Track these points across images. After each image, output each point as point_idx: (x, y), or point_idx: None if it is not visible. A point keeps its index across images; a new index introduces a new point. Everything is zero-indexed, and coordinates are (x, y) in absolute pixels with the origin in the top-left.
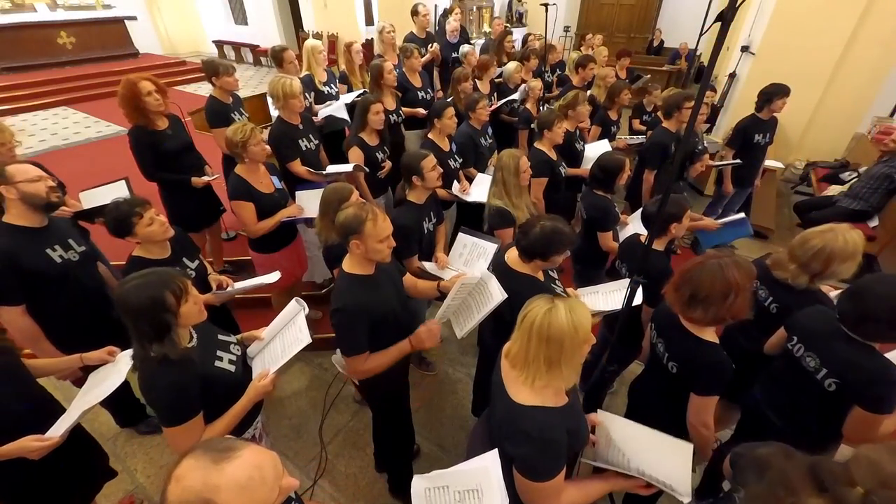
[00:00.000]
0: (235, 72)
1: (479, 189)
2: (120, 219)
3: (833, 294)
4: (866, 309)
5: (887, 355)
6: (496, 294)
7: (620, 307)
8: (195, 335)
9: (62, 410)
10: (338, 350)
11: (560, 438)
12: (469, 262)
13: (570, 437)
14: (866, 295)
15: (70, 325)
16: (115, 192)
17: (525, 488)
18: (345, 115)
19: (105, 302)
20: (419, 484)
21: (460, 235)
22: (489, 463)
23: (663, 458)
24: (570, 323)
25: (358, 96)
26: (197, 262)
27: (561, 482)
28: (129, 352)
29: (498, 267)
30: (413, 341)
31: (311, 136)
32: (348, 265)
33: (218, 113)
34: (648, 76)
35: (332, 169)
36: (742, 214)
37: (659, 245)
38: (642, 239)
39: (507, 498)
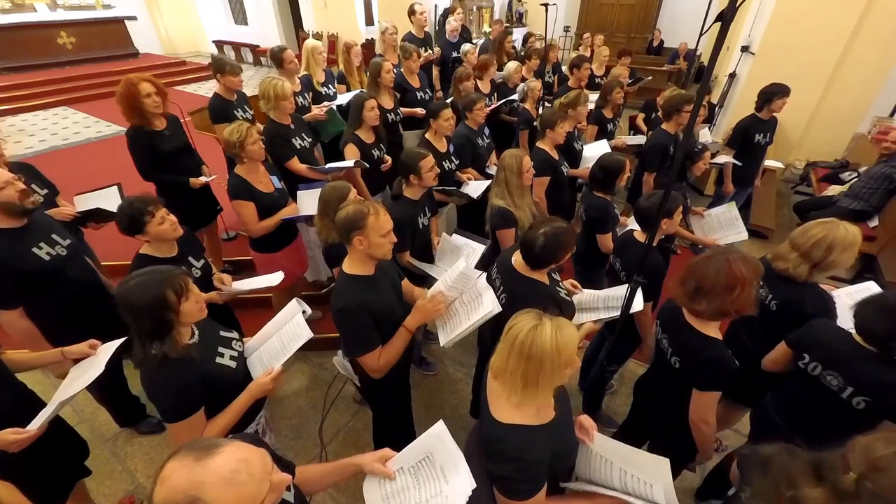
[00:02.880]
0: (242, 73)
1: (474, 186)
2: (133, 217)
3: (834, 293)
4: (892, 326)
5: None
6: (487, 304)
7: (619, 312)
8: (196, 332)
9: (42, 406)
10: (339, 351)
11: (539, 459)
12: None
13: (553, 456)
14: (892, 312)
15: (69, 319)
16: (107, 197)
17: None
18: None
19: (101, 292)
20: (371, 488)
21: (454, 235)
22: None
23: (643, 472)
24: (554, 343)
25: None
26: (203, 261)
27: (542, 501)
28: (111, 344)
29: (504, 270)
30: (409, 322)
31: (303, 134)
32: (348, 265)
33: (220, 109)
34: (650, 77)
35: (332, 165)
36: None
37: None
38: (636, 235)
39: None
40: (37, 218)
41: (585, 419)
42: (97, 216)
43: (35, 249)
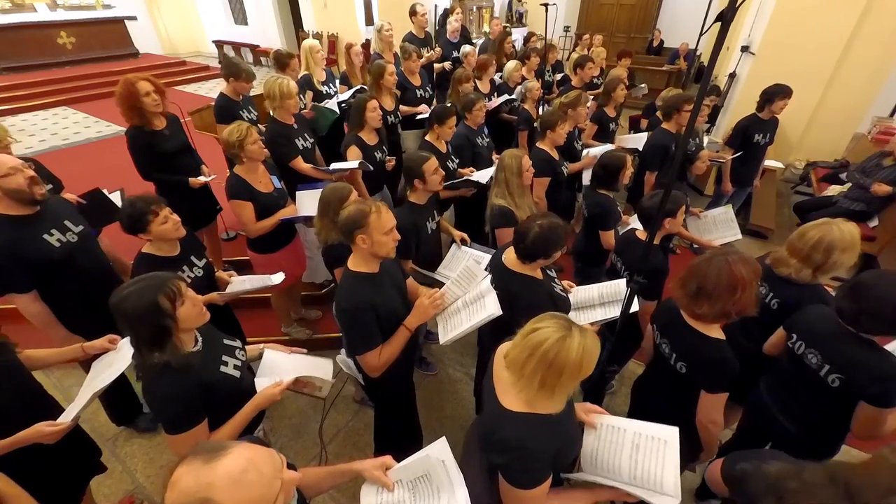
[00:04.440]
0: (255, 79)
1: (480, 174)
2: (136, 216)
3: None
4: (864, 304)
5: (887, 346)
6: (490, 307)
7: (616, 311)
8: (200, 339)
9: (57, 405)
10: (342, 350)
11: (542, 449)
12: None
13: (555, 448)
14: (864, 290)
15: (79, 305)
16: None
17: (508, 494)
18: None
19: (111, 279)
20: (367, 493)
21: (459, 247)
22: (431, 451)
23: (652, 452)
24: (578, 359)
25: (353, 94)
26: (204, 260)
27: (544, 491)
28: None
29: (496, 268)
30: (409, 321)
31: (306, 135)
32: (353, 263)
33: (226, 109)
34: (643, 85)
35: (336, 165)
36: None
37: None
38: (639, 234)
39: (459, 474)
40: (50, 204)
41: (590, 405)
42: (98, 202)
43: (46, 236)
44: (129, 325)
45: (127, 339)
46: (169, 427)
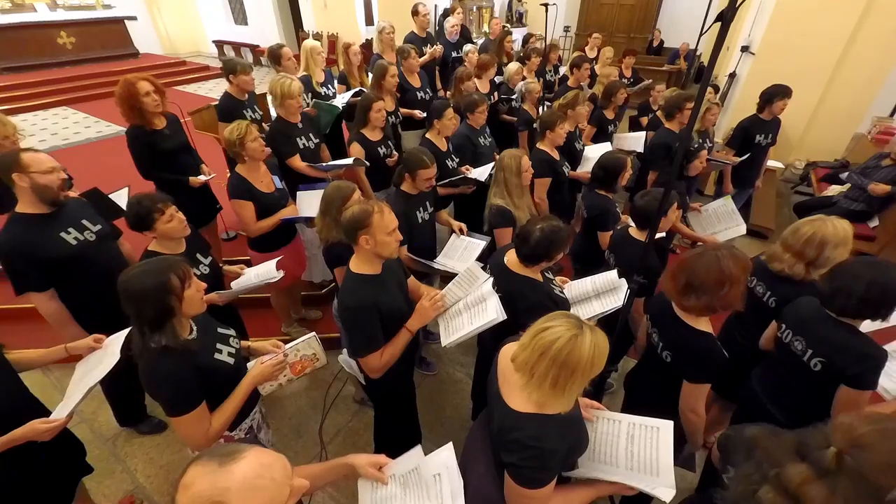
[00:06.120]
0: (252, 71)
1: (478, 171)
2: (142, 214)
3: None
4: (838, 282)
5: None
6: (491, 311)
7: (616, 308)
8: (195, 327)
9: (42, 406)
10: (344, 350)
11: (555, 448)
12: (463, 259)
13: (566, 447)
14: (842, 272)
15: (95, 304)
16: (117, 200)
17: (515, 493)
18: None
19: None
20: (363, 488)
21: (458, 236)
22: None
23: (646, 441)
24: (590, 357)
25: (354, 95)
26: (210, 258)
27: (551, 490)
28: (120, 334)
29: (496, 269)
30: (410, 324)
31: (310, 134)
32: (355, 264)
33: (229, 109)
34: (651, 81)
35: (331, 163)
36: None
37: (643, 236)
38: (631, 232)
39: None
40: (69, 204)
41: (587, 400)
42: (97, 200)
43: (63, 234)
44: (136, 302)
45: (115, 337)
46: (169, 408)
